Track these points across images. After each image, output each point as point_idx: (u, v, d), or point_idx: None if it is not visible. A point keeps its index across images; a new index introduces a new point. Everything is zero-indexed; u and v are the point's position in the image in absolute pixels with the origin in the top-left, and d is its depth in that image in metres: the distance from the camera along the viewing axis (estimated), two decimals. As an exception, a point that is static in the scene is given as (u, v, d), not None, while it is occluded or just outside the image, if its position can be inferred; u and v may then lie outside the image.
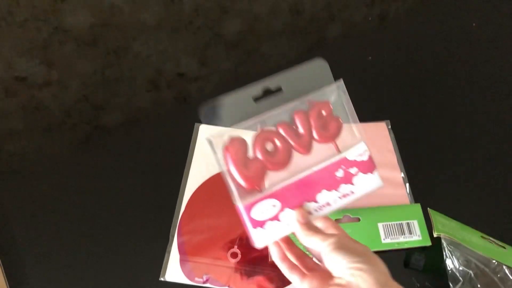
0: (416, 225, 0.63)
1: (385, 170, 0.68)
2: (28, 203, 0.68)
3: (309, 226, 0.46)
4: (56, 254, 0.63)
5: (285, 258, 0.48)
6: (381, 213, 0.63)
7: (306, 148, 0.49)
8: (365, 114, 0.68)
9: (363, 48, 0.80)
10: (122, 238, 0.64)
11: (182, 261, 0.62)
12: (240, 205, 0.47)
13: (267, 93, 0.50)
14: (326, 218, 0.48)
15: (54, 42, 0.72)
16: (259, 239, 0.47)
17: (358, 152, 0.50)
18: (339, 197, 0.48)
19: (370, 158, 0.49)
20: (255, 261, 0.63)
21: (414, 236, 0.63)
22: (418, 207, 0.64)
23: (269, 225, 0.47)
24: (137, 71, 0.74)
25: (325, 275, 0.44)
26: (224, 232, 0.64)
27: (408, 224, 0.63)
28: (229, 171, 0.47)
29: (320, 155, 0.50)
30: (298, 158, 0.49)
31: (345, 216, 0.63)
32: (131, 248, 0.64)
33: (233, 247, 0.63)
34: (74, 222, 0.66)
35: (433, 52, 0.83)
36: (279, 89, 0.50)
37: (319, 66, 0.51)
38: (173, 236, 0.63)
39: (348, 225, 0.62)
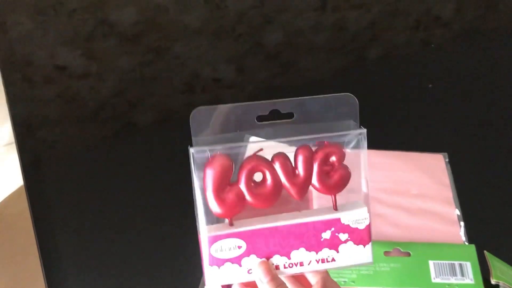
0: (469, 267, 0.57)
1: (439, 204, 0.64)
2: (54, 192, 0.66)
3: (274, 283, 0.40)
4: (77, 247, 0.62)
5: None
6: (433, 250, 0.59)
7: (300, 193, 0.42)
8: (420, 144, 0.70)
9: (405, 71, 0.78)
10: (146, 238, 0.61)
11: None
12: (204, 234, 0.41)
13: (275, 116, 0.43)
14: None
15: (97, 35, 0.74)
16: (212, 278, 0.41)
17: (356, 217, 0.43)
18: (317, 261, 0.42)
19: (368, 228, 0.43)
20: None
21: (466, 279, 0.57)
22: (472, 248, 0.59)
23: (227, 267, 0.41)
24: (174, 72, 0.75)
25: None
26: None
27: (460, 265, 0.58)
28: (204, 191, 0.41)
29: (312, 205, 0.45)
30: (286, 201, 0.43)
31: (395, 250, 0.58)
32: (162, 250, 0.60)
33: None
34: (99, 214, 0.64)
35: (490, 82, 0.78)
36: (290, 115, 0.43)
37: (346, 103, 0.44)
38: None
39: (397, 259, 0.58)
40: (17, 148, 0.67)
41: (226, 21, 0.79)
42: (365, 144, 0.43)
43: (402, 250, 0.58)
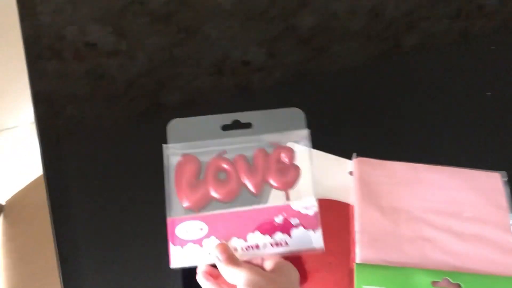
0: None
1: (495, 230, 0.58)
2: (81, 166, 0.66)
3: (229, 260, 0.45)
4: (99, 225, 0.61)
5: None
6: (486, 282, 0.53)
7: (256, 189, 0.50)
8: (473, 159, 0.64)
9: (442, 61, 0.75)
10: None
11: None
12: (169, 218, 0.48)
13: (237, 125, 0.53)
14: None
15: (128, 13, 0.73)
16: (176, 258, 0.47)
17: (304, 204, 0.49)
18: (271, 244, 0.47)
19: (316, 215, 0.49)
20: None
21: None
22: None
23: (190, 247, 0.47)
24: (204, 53, 0.73)
25: None
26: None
27: None
28: (176, 185, 0.49)
29: (267, 198, 0.51)
30: (245, 195, 0.50)
31: (444, 280, 0.54)
32: None
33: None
34: (123, 191, 0.63)
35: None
36: (248, 125, 0.53)
37: (294, 114, 0.54)
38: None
39: (446, 291, 0.52)
40: (37, 127, 0.67)
41: (259, 3, 0.77)
42: (310, 143, 0.52)
43: (452, 281, 0.54)
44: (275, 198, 0.51)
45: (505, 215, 0.59)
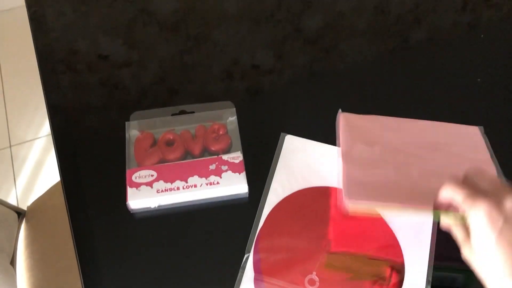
0: None
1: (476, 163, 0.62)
2: (100, 174, 0.67)
3: None
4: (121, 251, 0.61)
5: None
6: None
7: (198, 152, 0.65)
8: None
9: (450, 54, 0.75)
10: (192, 249, 0.60)
11: (256, 281, 0.57)
12: (128, 170, 0.62)
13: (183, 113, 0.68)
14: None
15: (138, 23, 0.75)
16: (132, 195, 0.60)
17: (232, 156, 0.63)
18: (206, 183, 0.61)
19: (241, 163, 0.63)
20: (335, 292, 0.56)
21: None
22: None
23: (143, 188, 0.61)
24: (214, 59, 0.75)
25: None
26: (303, 255, 0.59)
27: None
28: (135, 152, 0.64)
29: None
30: (188, 158, 0.65)
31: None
32: (202, 261, 0.60)
33: (311, 273, 0.57)
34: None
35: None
36: (192, 113, 0.69)
37: (226, 104, 0.69)
38: (249, 252, 0.58)
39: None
40: (53, 138, 0.69)
41: (265, 7, 0.79)
42: (236, 124, 0.67)
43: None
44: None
45: (486, 153, 0.63)
